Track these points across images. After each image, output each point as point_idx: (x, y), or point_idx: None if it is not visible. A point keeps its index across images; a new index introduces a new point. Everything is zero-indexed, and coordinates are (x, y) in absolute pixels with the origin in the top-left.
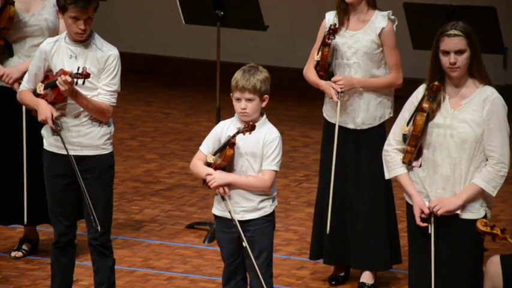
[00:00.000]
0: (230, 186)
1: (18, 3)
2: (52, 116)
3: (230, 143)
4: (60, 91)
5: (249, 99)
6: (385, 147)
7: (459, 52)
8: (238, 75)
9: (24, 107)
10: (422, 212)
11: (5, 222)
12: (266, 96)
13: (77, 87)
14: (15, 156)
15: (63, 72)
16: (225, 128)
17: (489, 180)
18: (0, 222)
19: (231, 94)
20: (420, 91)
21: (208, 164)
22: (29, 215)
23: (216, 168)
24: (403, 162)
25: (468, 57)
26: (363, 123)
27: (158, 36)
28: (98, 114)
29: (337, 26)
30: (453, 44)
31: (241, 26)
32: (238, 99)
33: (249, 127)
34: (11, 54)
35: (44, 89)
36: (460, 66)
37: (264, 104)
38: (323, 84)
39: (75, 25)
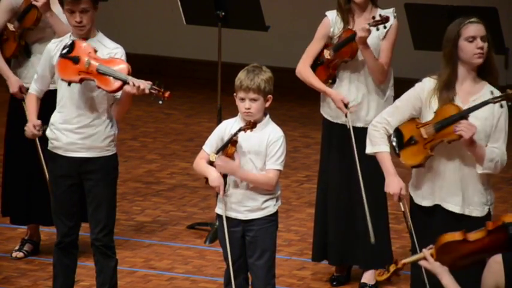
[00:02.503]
0: (235, 175)
1: None
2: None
3: (232, 141)
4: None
5: (253, 99)
6: (374, 122)
7: (483, 38)
8: (242, 75)
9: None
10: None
11: (22, 222)
12: (270, 96)
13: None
14: (33, 157)
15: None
16: (229, 127)
17: (491, 158)
18: (18, 223)
19: (235, 94)
20: (426, 84)
21: (211, 163)
22: (46, 215)
23: None
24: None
25: (488, 47)
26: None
27: (159, 37)
28: (125, 112)
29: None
30: (478, 29)
31: (242, 27)
32: (243, 99)
33: (250, 125)
34: (28, 54)
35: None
36: (485, 53)
37: (267, 104)
38: (332, 93)
39: (72, 18)
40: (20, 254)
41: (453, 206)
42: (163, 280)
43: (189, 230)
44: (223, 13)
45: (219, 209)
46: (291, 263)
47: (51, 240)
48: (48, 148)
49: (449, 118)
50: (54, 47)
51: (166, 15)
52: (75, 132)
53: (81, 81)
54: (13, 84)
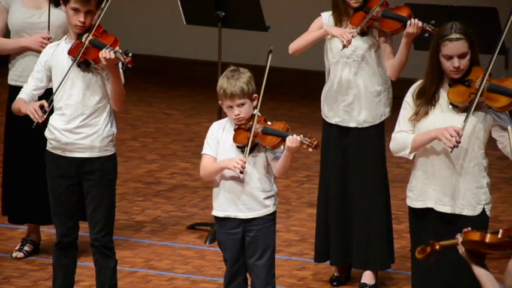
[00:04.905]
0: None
1: (28, 1)
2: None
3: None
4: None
5: (240, 104)
6: (392, 136)
7: (462, 55)
8: (223, 83)
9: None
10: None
11: (20, 221)
12: (255, 95)
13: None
14: (33, 155)
15: (114, 40)
16: (221, 128)
17: None
18: (15, 222)
19: (220, 102)
20: (409, 99)
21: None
22: (46, 214)
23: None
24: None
25: (469, 59)
26: (365, 121)
27: (159, 37)
28: (122, 99)
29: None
30: (456, 48)
31: (242, 27)
32: (230, 107)
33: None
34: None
35: (91, 43)
36: (463, 69)
37: (255, 103)
38: (333, 28)
39: (76, 17)
40: (20, 254)
41: (442, 206)
42: (163, 280)
43: (189, 230)
44: (223, 13)
45: (217, 212)
46: (291, 263)
47: (51, 240)
48: (47, 148)
49: (506, 89)
50: (51, 52)
51: (166, 15)
52: (74, 132)
53: None
54: (31, 39)
